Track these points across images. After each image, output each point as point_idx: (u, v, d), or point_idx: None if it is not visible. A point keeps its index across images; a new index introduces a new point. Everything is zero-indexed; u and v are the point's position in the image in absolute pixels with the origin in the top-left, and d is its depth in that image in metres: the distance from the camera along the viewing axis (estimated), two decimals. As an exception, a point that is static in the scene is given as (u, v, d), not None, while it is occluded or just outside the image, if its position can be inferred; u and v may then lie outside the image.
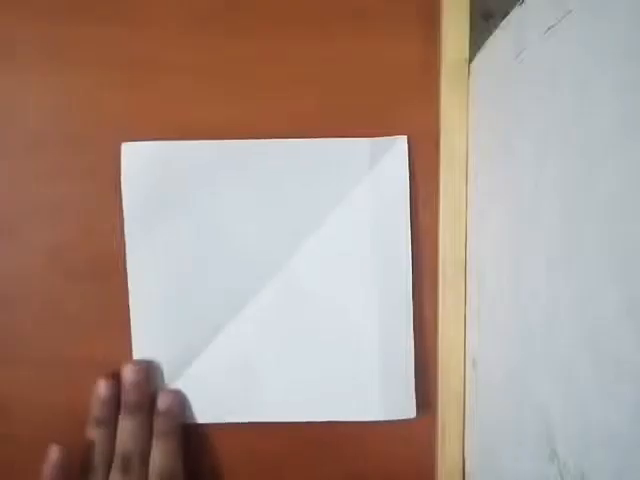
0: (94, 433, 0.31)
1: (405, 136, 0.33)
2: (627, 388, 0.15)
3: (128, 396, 0.32)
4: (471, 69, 0.32)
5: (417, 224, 0.33)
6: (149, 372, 0.32)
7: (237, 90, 0.33)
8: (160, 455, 0.31)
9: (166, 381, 0.33)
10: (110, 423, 0.31)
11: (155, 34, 0.32)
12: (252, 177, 0.32)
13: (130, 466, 0.31)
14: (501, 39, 0.27)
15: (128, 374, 0.32)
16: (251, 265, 0.33)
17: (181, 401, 0.33)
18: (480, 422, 0.30)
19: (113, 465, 0.31)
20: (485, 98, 0.30)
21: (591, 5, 0.18)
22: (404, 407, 0.33)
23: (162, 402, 0.32)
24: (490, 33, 0.29)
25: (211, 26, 0.33)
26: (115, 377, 0.32)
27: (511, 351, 0.25)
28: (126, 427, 0.31)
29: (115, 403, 0.32)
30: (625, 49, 0.16)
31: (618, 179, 0.16)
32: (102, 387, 0.31)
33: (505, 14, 0.26)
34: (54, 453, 0.29)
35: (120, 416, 0.32)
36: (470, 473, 0.31)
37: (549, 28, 0.21)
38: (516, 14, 0.25)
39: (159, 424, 0.32)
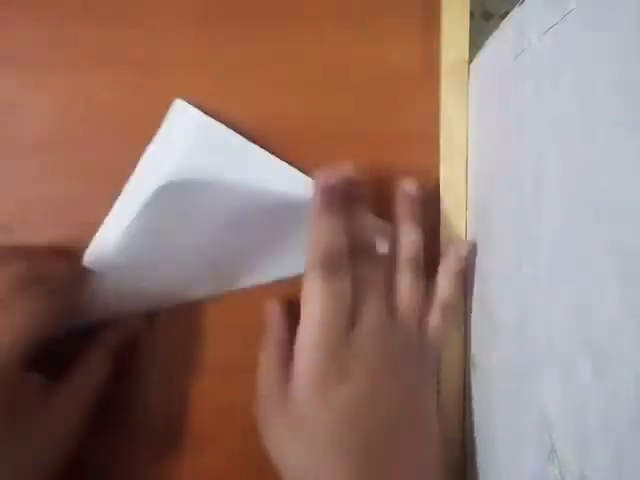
0: None
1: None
2: (627, 388, 0.15)
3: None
4: (471, 69, 0.32)
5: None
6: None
7: (237, 90, 0.33)
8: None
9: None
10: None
11: (155, 34, 0.32)
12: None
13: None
14: (501, 39, 0.27)
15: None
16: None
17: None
18: (480, 422, 0.30)
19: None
20: (485, 98, 0.30)
21: (591, 5, 0.18)
22: None
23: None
24: (490, 33, 0.29)
25: (211, 27, 0.33)
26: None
27: (511, 351, 0.25)
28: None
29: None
30: (625, 49, 0.16)
31: (618, 179, 0.16)
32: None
33: (505, 14, 0.26)
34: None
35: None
36: (470, 472, 0.31)
37: (549, 28, 0.21)
38: (516, 14, 0.25)
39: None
